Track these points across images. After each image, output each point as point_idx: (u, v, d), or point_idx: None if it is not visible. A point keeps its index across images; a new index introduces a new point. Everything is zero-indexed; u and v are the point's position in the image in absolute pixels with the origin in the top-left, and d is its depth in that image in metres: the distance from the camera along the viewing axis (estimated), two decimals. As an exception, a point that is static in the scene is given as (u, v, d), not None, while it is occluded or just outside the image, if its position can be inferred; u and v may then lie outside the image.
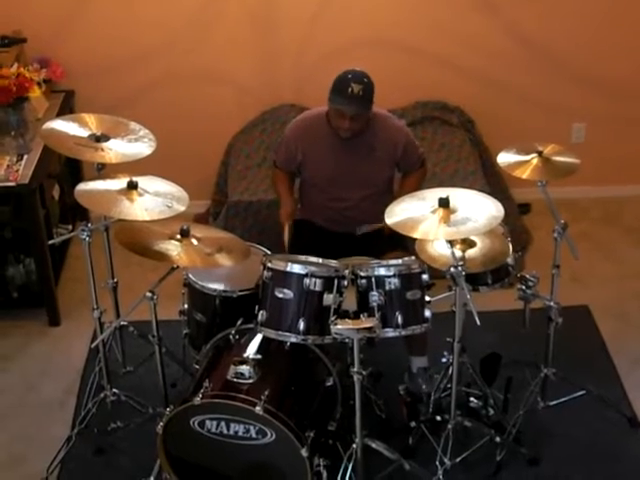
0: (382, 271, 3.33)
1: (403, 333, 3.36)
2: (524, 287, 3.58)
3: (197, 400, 3.22)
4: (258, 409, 3.17)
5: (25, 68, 4.52)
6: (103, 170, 3.58)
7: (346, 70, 3.77)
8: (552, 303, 3.70)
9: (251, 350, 3.41)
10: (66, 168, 5.08)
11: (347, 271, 3.32)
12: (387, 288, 3.31)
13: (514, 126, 5.16)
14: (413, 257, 3.44)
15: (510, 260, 3.64)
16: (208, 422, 3.29)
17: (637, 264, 4.95)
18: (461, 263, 3.25)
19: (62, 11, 4.93)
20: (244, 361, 3.32)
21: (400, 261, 3.40)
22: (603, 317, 4.51)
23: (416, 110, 5.22)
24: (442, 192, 3.30)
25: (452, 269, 3.25)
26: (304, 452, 3.21)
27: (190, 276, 3.70)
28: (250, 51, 5.09)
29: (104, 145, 3.55)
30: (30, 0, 4.89)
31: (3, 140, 4.52)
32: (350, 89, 3.70)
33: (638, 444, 3.81)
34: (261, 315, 3.36)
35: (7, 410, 4.08)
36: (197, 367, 3.63)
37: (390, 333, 3.34)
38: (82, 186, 3.45)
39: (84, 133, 3.58)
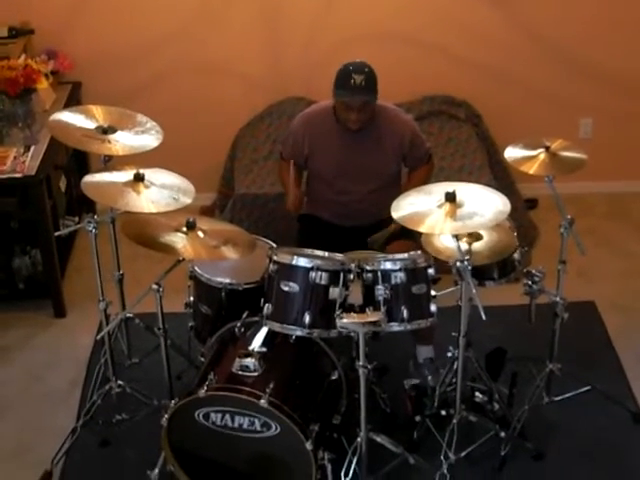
0: (388, 265, 3.32)
1: (409, 327, 3.36)
2: (530, 282, 3.57)
3: (202, 392, 3.23)
4: (263, 402, 3.18)
5: (32, 60, 4.53)
6: (110, 162, 3.58)
7: (346, 63, 3.77)
8: (558, 298, 3.70)
9: (256, 343, 3.40)
10: (73, 160, 5.08)
11: (353, 265, 3.32)
12: (393, 282, 3.30)
13: (521, 121, 5.15)
14: (419, 251, 3.43)
15: (516, 255, 3.63)
16: (213, 414, 3.29)
17: (644, 260, 4.95)
18: (467, 257, 3.25)
19: (70, 2, 4.94)
20: (249, 354, 3.32)
21: (406, 255, 3.39)
22: (609, 313, 4.50)
23: (423, 105, 5.21)
24: (449, 186, 3.29)
25: (458, 263, 3.24)
26: (308, 445, 3.21)
27: (196, 269, 3.70)
28: (257, 44, 5.09)
29: (111, 137, 3.55)
30: (38, -8, 4.90)
31: (10, 131, 4.53)
32: (352, 80, 3.70)
33: (643, 440, 3.81)
34: (267, 308, 3.36)
35: (13, 401, 4.09)
36: (202, 360, 3.64)
37: (395, 327, 3.33)
38: (89, 178, 3.45)
39: (91, 125, 3.58)
